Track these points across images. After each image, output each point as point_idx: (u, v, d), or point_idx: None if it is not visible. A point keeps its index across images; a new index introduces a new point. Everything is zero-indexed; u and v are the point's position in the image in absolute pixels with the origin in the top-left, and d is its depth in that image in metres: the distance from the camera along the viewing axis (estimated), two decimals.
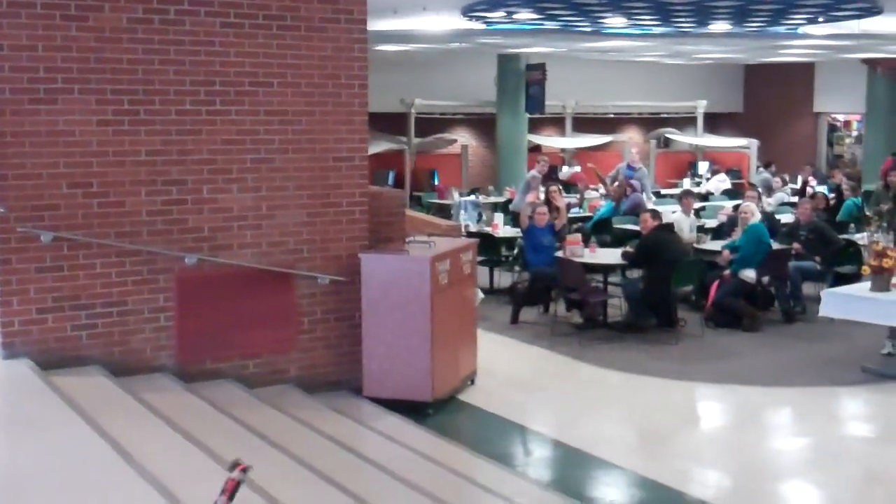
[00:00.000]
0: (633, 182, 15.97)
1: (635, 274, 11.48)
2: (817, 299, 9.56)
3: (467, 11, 15.30)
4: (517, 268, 12.72)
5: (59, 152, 6.83)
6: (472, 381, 8.66)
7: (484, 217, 14.56)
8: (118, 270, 7.04)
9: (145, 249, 7.10)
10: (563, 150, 22.90)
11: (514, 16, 15.77)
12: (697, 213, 14.71)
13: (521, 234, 12.54)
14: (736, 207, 13.03)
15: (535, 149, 21.15)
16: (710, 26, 17.15)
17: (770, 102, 24.76)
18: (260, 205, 7.55)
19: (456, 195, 17.52)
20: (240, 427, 6.19)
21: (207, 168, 7.32)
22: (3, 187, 6.68)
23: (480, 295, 9.52)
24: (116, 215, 7.01)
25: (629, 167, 16.78)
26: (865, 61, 20.50)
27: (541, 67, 19.55)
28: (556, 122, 23.29)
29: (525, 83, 19.71)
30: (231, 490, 4.07)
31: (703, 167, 22.67)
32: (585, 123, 23.49)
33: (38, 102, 6.75)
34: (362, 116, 7.98)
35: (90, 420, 5.51)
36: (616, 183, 16.04)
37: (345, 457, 6.19)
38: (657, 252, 10.62)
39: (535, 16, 15.80)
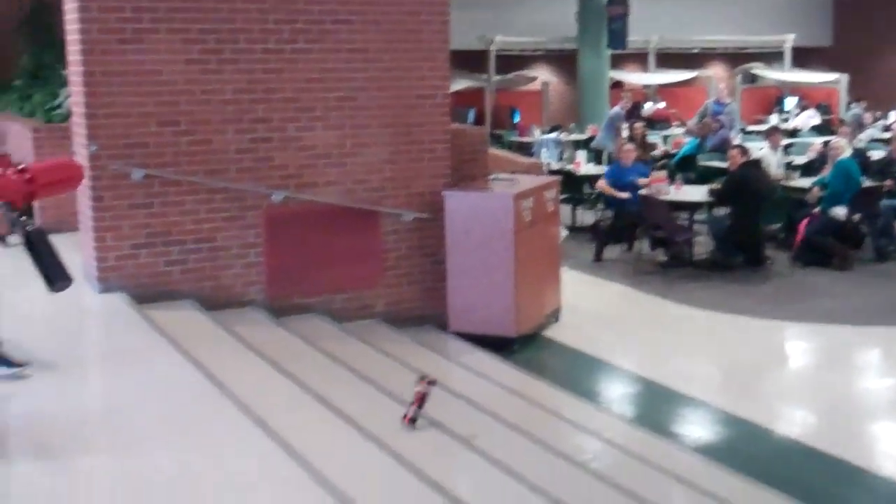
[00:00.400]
0: (722, 118, 15.63)
1: (722, 211, 11.29)
2: None
3: None
4: (600, 205, 12.61)
5: (147, 91, 6.93)
6: (557, 318, 8.65)
7: (566, 155, 14.44)
8: (207, 207, 7.16)
9: (233, 187, 7.20)
10: (645, 87, 22.54)
11: None
12: (785, 149, 14.38)
13: (604, 172, 12.41)
14: (826, 144, 12.70)
15: (617, 85, 20.85)
16: None
17: (860, 36, 23.95)
18: (344, 143, 7.59)
19: (537, 133, 17.40)
20: (329, 360, 6.29)
21: (292, 106, 7.37)
22: (94, 126, 6.81)
23: (564, 232, 9.48)
24: (205, 153, 7.11)
25: (717, 103, 16.45)
26: None
27: (623, 1, 19.19)
28: (639, 58, 22.90)
29: (607, 18, 19.37)
30: (419, 400, 4.94)
31: (790, 103, 22.10)
32: (669, 59, 23.04)
33: (126, 42, 6.84)
34: (444, 53, 7.94)
35: (185, 352, 5.65)
36: (703, 119, 15.74)
37: (435, 391, 6.23)
38: (745, 189, 10.43)
39: None
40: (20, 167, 3.25)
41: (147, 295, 6.91)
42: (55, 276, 3.21)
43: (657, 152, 13.87)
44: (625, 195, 11.02)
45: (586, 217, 13.05)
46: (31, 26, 13.01)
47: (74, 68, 7.05)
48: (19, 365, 5.11)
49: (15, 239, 3.19)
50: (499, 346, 7.67)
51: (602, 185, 11.30)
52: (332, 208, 7.54)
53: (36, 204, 8.61)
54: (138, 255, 6.99)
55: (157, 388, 5.21)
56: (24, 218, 3.19)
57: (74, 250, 7.46)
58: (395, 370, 6.50)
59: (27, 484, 3.99)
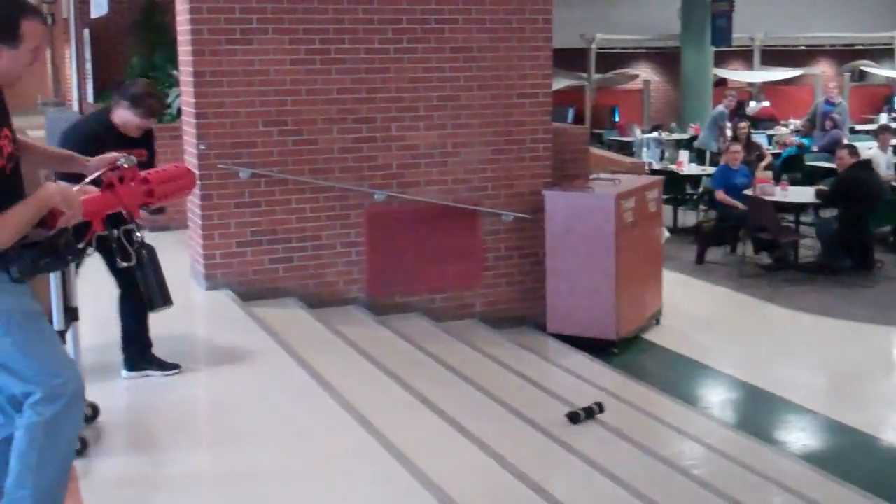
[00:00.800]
0: (834, 116, 15.18)
1: (829, 213, 10.99)
2: None
3: None
4: (703, 206, 12.40)
5: (255, 91, 7.06)
6: (658, 321, 8.54)
7: (667, 154, 14.23)
8: (312, 206, 7.27)
9: (337, 186, 7.30)
10: (750, 85, 22.07)
11: None
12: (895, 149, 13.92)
13: (705, 173, 12.21)
14: None
15: (721, 83, 20.47)
16: None
17: None
18: (445, 142, 7.62)
19: (638, 132, 17.20)
20: (429, 359, 6.32)
21: (395, 106, 7.43)
22: (203, 125, 6.98)
23: (666, 233, 9.35)
24: (310, 152, 7.22)
25: (827, 102, 16.00)
26: None
27: None
28: (744, 55, 22.45)
29: (711, 14, 19.00)
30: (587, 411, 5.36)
31: None
32: (774, 56, 22.52)
33: (235, 43, 6.99)
34: (546, 52, 7.91)
35: (289, 349, 5.74)
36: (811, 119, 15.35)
37: (532, 392, 6.24)
38: (854, 190, 10.13)
39: None
40: (140, 176, 3.29)
41: (252, 292, 7.05)
42: (157, 298, 3.27)
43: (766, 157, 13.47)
44: (741, 206, 10.65)
45: (688, 218, 12.85)
46: (142, 28, 13.38)
47: (185, 68, 7.23)
48: (172, 367, 5.24)
49: (126, 257, 3.23)
50: (598, 348, 7.61)
51: (722, 196, 10.89)
52: (432, 207, 7.58)
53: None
54: (244, 253, 7.14)
55: (260, 384, 5.31)
56: (139, 234, 3.25)
57: (182, 248, 7.68)
58: (494, 371, 6.50)
59: (135, 475, 4.11)
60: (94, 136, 4.86)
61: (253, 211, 7.13)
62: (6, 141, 2.95)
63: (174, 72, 10.12)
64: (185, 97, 7.36)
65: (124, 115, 5.00)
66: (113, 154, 3.38)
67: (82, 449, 4.11)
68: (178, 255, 7.65)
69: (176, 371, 5.31)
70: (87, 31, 15.07)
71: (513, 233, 7.92)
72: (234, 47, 6.99)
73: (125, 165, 3.27)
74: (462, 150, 7.67)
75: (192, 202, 7.28)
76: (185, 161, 7.44)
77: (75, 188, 3.09)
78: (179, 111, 8.57)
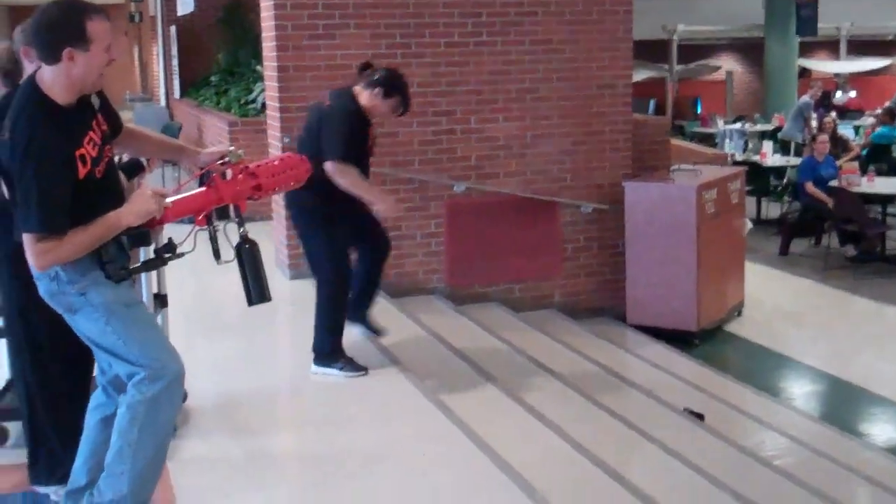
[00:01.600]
0: None
1: None
2: None
3: None
4: (787, 198, 12.22)
5: (337, 85, 7.16)
6: (740, 313, 8.46)
7: (750, 146, 14.04)
8: (393, 197, 7.32)
9: (417, 178, 7.39)
10: (836, 75, 21.62)
11: None
12: None
13: (789, 164, 12.02)
14: None
15: (806, 74, 20.08)
16: None
17: None
18: (524, 134, 7.65)
19: (720, 123, 16.97)
20: (508, 348, 6.37)
21: (475, 98, 7.49)
22: (287, 119, 7.12)
23: (749, 225, 9.24)
24: (391, 145, 7.31)
25: None
26: None
27: None
28: (829, 46, 21.98)
29: (796, 4, 18.65)
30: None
31: None
32: (861, 46, 22.00)
33: (318, 38, 7.12)
34: (627, 43, 7.89)
35: (369, 336, 5.83)
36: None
37: (611, 381, 6.25)
38: None
39: None
40: (248, 169, 3.30)
41: None
42: (255, 293, 3.34)
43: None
44: (827, 198, 10.45)
45: (772, 209, 12.67)
46: (227, 24, 13.67)
47: (269, 64, 7.39)
48: (362, 369, 5.31)
49: (227, 253, 3.27)
50: (679, 339, 7.58)
51: (811, 188, 10.70)
52: (511, 199, 7.62)
53: None
54: None
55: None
56: (243, 229, 3.29)
57: (267, 238, 7.85)
58: (573, 360, 6.52)
59: (220, 457, 4.25)
60: (357, 120, 5.11)
61: None
62: (90, 146, 3.01)
63: (258, 67, 10.33)
64: (269, 92, 7.52)
65: (374, 101, 5.13)
66: (220, 148, 3.45)
67: (173, 430, 4.26)
68: (263, 246, 7.80)
69: (364, 373, 5.29)
70: (173, 28, 15.47)
71: (592, 224, 7.92)
72: (316, 42, 7.12)
73: (231, 161, 3.30)
74: (541, 142, 7.70)
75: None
76: (268, 154, 7.61)
77: (166, 191, 3.17)
78: (264, 105, 8.76)
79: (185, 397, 4.63)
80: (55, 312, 3.16)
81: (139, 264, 3.19)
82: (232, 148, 3.35)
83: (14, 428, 4.22)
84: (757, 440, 5.79)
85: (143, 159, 4.12)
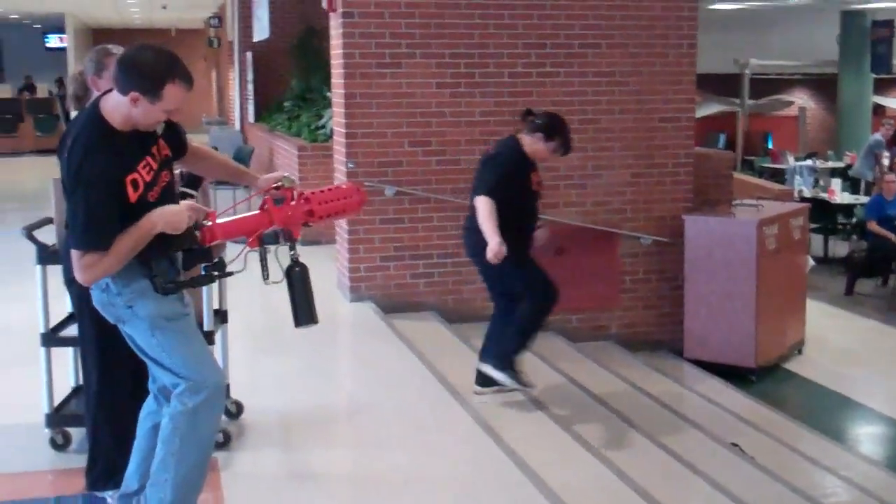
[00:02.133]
0: None
1: None
2: None
3: None
4: (854, 236, 12.05)
5: (402, 113, 7.33)
6: (800, 351, 8.37)
7: (820, 182, 13.88)
8: (453, 224, 7.43)
9: None
10: None
11: None
12: None
13: (858, 202, 11.86)
14: None
15: (880, 111, 19.78)
16: None
17: None
18: (586, 164, 7.71)
19: (791, 159, 16.78)
20: (562, 378, 6.40)
21: None
22: (352, 145, 7.29)
23: (811, 262, 9.14)
24: (453, 172, 7.43)
25: None
26: None
27: (889, 23, 18.18)
28: None
29: (871, 41, 18.41)
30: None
31: None
32: None
33: (385, 66, 7.28)
34: (690, 77, 7.91)
35: (425, 360, 5.95)
36: None
37: (664, 414, 6.24)
38: None
39: None
40: (303, 196, 3.40)
41: (393, 305, 7.30)
42: (303, 315, 3.44)
43: None
44: (894, 237, 10.32)
45: (839, 248, 12.50)
46: (300, 52, 13.97)
47: (336, 90, 7.57)
48: (530, 385, 5.57)
49: (275, 275, 3.37)
50: (736, 376, 7.52)
51: (873, 226, 10.60)
52: (571, 229, 7.67)
53: None
54: (387, 268, 7.40)
55: (397, 392, 5.53)
56: (293, 252, 3.40)
57: (330, 261, 8.01)
58: (626, 392, 6.53)
59: (272, 470, 4.36)
60: (517, 164, 5.41)
61: (396, 227, 7.39)
62: (145, 171, 3.14)
63: (328, 93, 10.55)
64: (336, 118, 7.69)
65: (535, 146, 5.43)
66: (276, 174, 3.58)
67: (225, 442, 4.40)
68: (326, 269, 7.99)
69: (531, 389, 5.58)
70: (249, 55, 15.84)
71: (651, 256, 7.94)
72: (383, 70, 7.28)
73: (284, 185, 3.41)
74: (602, 173, 7.75)
75: None
76: (334, 179, 7.78)
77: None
78: (332, 131, 8.95)
79: (240, 411, 4.80)
80: None
81: (187, 279, 3.29)
82: (286, 174, 3.47)
83: (76, 434, 4.39)
84: (811, 482, 5.70)
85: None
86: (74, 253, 3.07)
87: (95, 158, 3.04)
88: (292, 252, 3.39)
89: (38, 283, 4.31)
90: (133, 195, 3.10)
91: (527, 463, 4.42)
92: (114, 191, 3.05)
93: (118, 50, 3.70)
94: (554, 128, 5.45)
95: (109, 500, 3.76)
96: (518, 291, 5.55)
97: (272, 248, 3.40)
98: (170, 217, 3.15)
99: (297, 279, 3.37)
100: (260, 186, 3.53)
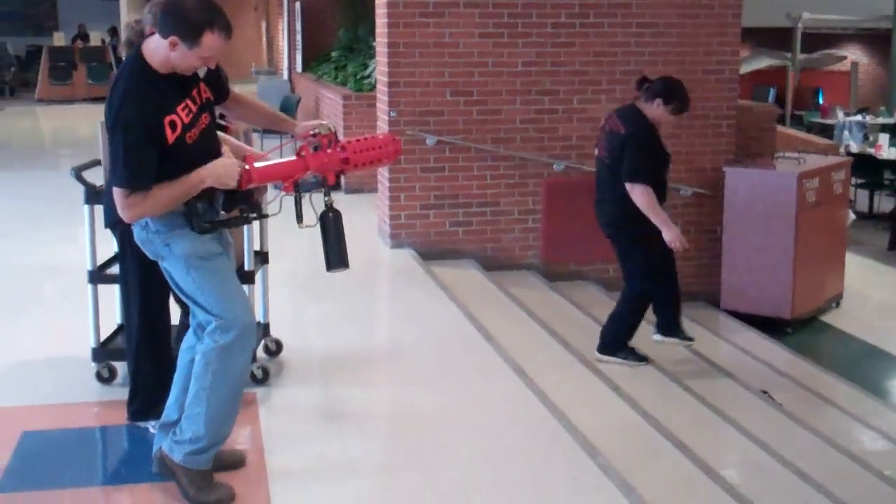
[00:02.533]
0: None
1: None
2: None
3: None
4: None
5: (444, 62, 7.40)
6: (838, 304, 8.38)
7: (870, 138, 13.71)
8: (493, 173, 7.57)
9: (517, 155, 7.56)
10: None
11: None
12: None
13: None
14: None
15: None
16: None
17: None
18: None
19: (840, 114, 16.56)
20: (596, 325, 6.48)
21: (578, 79, 7.61)
22: (395, 94, 7.38)
23: (852, 216, 9.12)
24: (493, 122, 7.51)
25: None
26: None
27: None
28: None
29: None
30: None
31: None
32: None
33: (428, 16, 7.34)
34: (735, 28, 7.87)
35: (462, 306, 6.07)
36: None
37: (697, 363, 6.31)
38: None
39: None
40: (339, 144, 3.48)
41: (432, 252, 7.43)
42: (335, 260, 3.54)
43: None
44: None
45: (884, 203, 12.39)
46: (348, 2, 14.01)
47: (380, 40, 7.65)
48: (644, 359, 5.86)
49: (310, 219, 3.48)
50: (772, 327, 7.57)
51: None
52: None
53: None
54: (427, 215, 7.52)
55: (434, 336, 5.67)
56: (328, 198, 3.50)
57: (372, 209, 8.15)
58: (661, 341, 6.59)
59: (309, 406, 4.53)
60: (653, 136, 5.63)
61: (437, 176, 7.49)
62: (184, 113, 3.26)
63: (374, 43, 10.61)
64: (379, 67, 7.78)
65: (656, 112, 5.59)
66: (314, 122, 3.69)
67: (264, 378, 4.58)
68: (367, 216, 8.14)
69: (645, 363, 5.85)
70: (298, 5, 15.92)
71: (691, 208, 7.97)
72: (426, 20, 7.34)
73: (321, 133, 3.51)
74: None
75: None
76: (377, 127, 7.90)
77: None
78: (377, 81, 9.04)
79: (280, 349, 4.97)
80: None
81: (223, 219, 3.39)
82: (324, 122, 3.58)
83: (121, 368, 4.58)
84: (839, 429, 5.75)
85: (229, 125, 4.39)
86: (117, 191, 3.21)
87: (134, 101, 3.17)
88: (327, 198, 3.50)
89: (85, 221, 4.48)
90: (171, 136, 3.21)
91: (556, 405, 4.53)
92: (151, 133, 3.17)
93: None
94: (671, 91, 5.57)
95: (151, 429, 3.95)
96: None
97: (308, 194, 3.50)
98: (221, 171, 3.28)
99: (330, 224, 3.48)
100: (298, 133, 3.64)
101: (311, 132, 3.55)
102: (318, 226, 3.49)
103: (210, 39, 3.18)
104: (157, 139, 3.19)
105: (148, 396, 4.03)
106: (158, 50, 3.22)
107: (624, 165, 5.50)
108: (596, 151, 5.84)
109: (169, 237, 3.34)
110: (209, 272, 3.39)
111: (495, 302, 6.55)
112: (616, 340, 5.85)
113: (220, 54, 3.27)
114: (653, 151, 5.59)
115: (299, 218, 3.47)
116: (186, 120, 3.28)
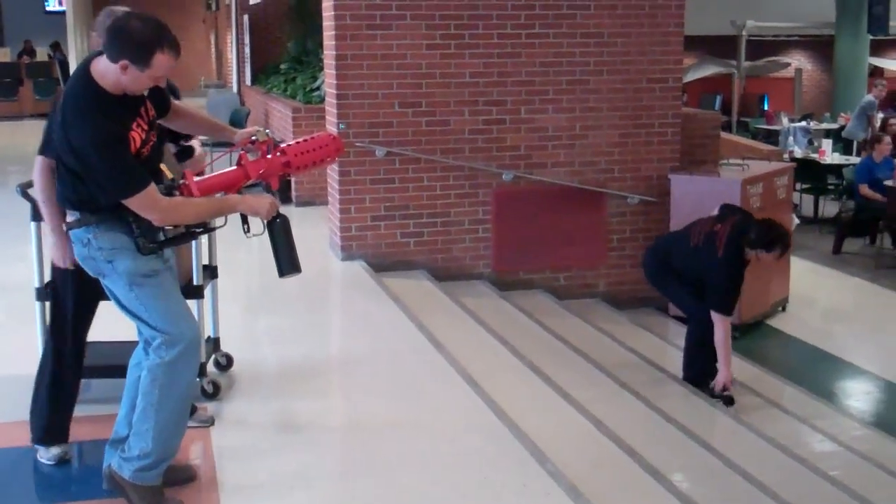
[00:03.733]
0: None
1: None
2: None
3: None
4: (844, 196, 12.16)
5: (392, 74, 7.44)
6: (784, 308, 8.52)
7: (815, 143, 13.98)
8: (443, 184, 7.61)
9: (467, 165, 7.61)
10: None
11: None
12: None
13: (849, 163, 11.95)
14: None
15: (877, 72, 19.79)
16: None
17: None
18: (574, 125, 7.82)
19: (785, 121, 16.85)
20: (545, 332, 6.57)
21: (525, 89, 7.68)
22: (343, 106, 7.40)
23: (796, 220, 9.28)
24: (442, 133, 7.56)
25: None
26: None
27: None
28: None
29: (867, 2, 18.39)
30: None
31: None
32: None
33: (375, 28, 7.37)
34: (678, 37, 7.99)
35: (412, 316, 6.10)
36: None
37: (645, 368, 6.40)
38: None
39: None
40: (278, 149, 3.51)
41: (384, 264, 7.46)
42: (286, 265, 3.55)
43: None
44: (881, 198, 10.47)
45: (829, 208, 12.62)
46: (297, 14, 14.01)
47: (328, 52, 7.67)
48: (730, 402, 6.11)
49: (257, 227, 3.50)
50: None
51: (865, 191, 10.71)
52: (559, 189, 7.80)
53: (293, 181, 9.42)
54: (378, 227, 7.55)
55: (385, 346, 5.70)
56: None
57: (323, 221, 8.16)
58: (609, 347, 6.69)
59: (261, 419, 4.53)
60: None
61: (387, 187, 7.52)
62: (138, 130, 3.29)
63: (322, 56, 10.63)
64: (328, 79, 7.80)
65: (757, 255, 6.06)
66: (251, 129, 3.72)
67: (215, 392, 4.57)
68: (318, 228, 8.15)
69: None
70: (246, 17, 15.88)
71: (638, 215, 8.07)
72: (373, 32, 7.37)
73: (258, 139, 3.55)
74: (590, 133, 7.86)
75: (332, 178, 7.73)
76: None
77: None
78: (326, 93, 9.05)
79: (230, 363, 4.96)
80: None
81: (168, 238, 3.39)
82: (261, 128, 3.61)
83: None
84: (789, 435, 5.79)
85: (195, 147, 4.40)
86: (137, 200, 3.21)
87: (97, 121, 3.18)
88: None
89: (32, 239, 4.45)
90: (133, 150, 3.25)
91: (505, 412, 4.58)
92: (123, 142, 3.21)
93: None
94: (772, 240, 5.98)
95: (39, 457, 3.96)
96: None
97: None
98: (256, 204, 3.41)
99: (278, 230, 3.50)
100: (237, 142, 3.66)
101: (251, 139, 3.58)
102: (266, 233, 3.51)
103: (161, 59, 3.20)
104: (127, 147, 3.23)
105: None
106: (108, 73, 3.23)
107: (717, 296, 6.01)
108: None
109: (111, 254, 3.34)
110: (152, 288, 3.39)
111: (447, 311, 6.59)
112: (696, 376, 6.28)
113: (169, 72, 3.29)
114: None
115: (246, 228, 3.49)
116: (141, 136, 3.31)
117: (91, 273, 3.45)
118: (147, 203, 3.22)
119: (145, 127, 3.34)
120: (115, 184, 3.20)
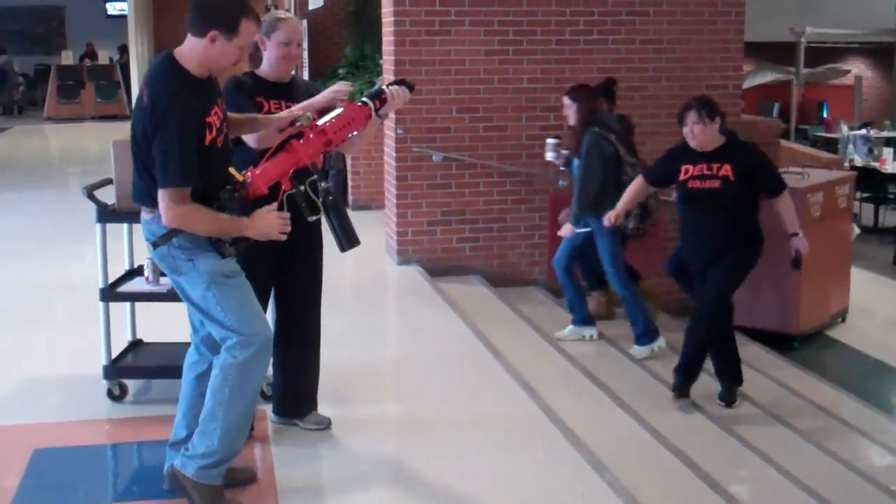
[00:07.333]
0: None
1: None
2: None
3: None
4: None
5: (450, 80, 7.47)
6: (843, 319, 8.39)
7: (875, 152, 13.74)
8: (499, 189, 7.62)
9: (524, 171, 7.61)
10: None
11: None
12: None
13: None
14: None
15: None
16: None
17: None
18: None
19: (844, 129, 16.58)
20: (602, 341, 6.53)
21: None
22: (401, 111, 7.40)
23: (856, 230, 9.13)
24: (499, 139, 7.57)
25: None
26: None
27: None
28: None
29: None
30: None
31: None
32: None
33: (434, 34, 7.41)
34: (738, 44, 7.93)
35: (468, 322, 6.12)
36: None
37: (705, 381, 6.31)
38: None
39: None
40: (318, 128, 3.54)
41: (439, 269, 7.49)
42: (344, 241, 3.58)
43: None
44: None
45: (889, 217, 12.41)
46: (355, 19, 14.11)
47: (387, 57, 7.72)
48: None
49: (314, 211, 3.52)
50: (778, 341, 7.57)
51: None
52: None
53: (350, 185, 9.49)
54: (434, 232, 7.58)
55: (440, 349, 5.72)
56: (323, 183, 3.54)
57: (379, 225, 8.20)
58: (666, 356, 6.62)
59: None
60: None
61: (444, 192, 7.55)
62: (215, 117, 3.34)
63: (381, 61, 10.69)
64: (386, 84, 7.82)
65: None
66: (292, 111, 3.74)
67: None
68: (375, 233, 8.19)
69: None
70: (305, 22, 16.00)
71: None
72: (432, 38, 7.41)
73: (303, 124, 3.55)
74: (647, 140, 7.79)
75: (389, 182, 7.77)
76: (383, 144, 7.96)
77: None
78: None
79: None
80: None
81: (248, 243, 3.42)
82: (302, 112, 3.63)
83: (132, 385, 4.63)
84: (846, 445, 5.75)
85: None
86: (167, 191, 3.23)
87: (183, 100, 3.22)
88: (322, 183, 3.54)
89: (97, 240, 4.53)
90: (208, 137, 3.30)
91: (563, 420, 4.57)
92: (199, 128, 3.25)
93: (286, 16, 4.03)
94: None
95: None
96: None
97: (302, 186, 3.53)
98: (262, 228, 3.38)
99: (333, 206, 3.53)
100: (280, 128, 3.68)
101: (297, 123, 3.59)
102: (323, 214, 3.54)
103: (247, 26, 3.30)
104: (202, 136, 3.27)
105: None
106: (195, 51, 3.31)
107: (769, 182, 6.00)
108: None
109: (192, 253, 3.37)
110: (231, 289, 3.43)
111: (502, 318, 6.59)
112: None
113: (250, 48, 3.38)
114: None
115: (308, 211, 3.52)
116: (218, 123, 3.36)
117: (166, 270, 3.50)
118: (175, 198, 3.23)
119: (221, 116, 3.40)
120: (168, 162, 3.20)
